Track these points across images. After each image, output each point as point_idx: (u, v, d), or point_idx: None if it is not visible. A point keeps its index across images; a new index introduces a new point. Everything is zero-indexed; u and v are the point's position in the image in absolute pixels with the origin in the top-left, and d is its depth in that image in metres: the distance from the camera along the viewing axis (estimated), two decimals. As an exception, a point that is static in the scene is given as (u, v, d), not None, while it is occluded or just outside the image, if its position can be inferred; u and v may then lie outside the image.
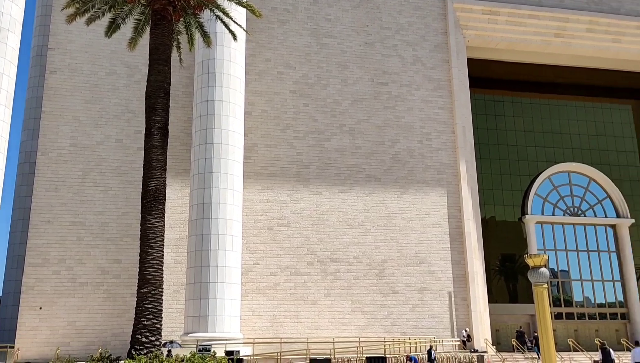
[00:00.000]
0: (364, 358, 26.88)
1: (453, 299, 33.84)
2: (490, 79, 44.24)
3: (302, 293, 32.04)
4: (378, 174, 34.84)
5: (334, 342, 29.36)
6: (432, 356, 28.28)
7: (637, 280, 42.87)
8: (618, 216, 43.29)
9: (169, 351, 20.77)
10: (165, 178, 19.40)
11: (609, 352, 21.84)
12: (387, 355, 27.81)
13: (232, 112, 30.07)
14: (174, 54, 22.82)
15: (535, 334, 34.28)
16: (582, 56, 41.63)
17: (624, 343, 36.42)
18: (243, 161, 31.16)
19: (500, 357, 30.29)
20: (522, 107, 45.83)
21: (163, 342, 21.13)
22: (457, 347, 32.29)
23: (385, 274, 33.32)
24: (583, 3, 40.01)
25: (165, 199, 19.23)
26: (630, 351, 23.70)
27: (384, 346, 30.24)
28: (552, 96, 46.39)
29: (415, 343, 31.17)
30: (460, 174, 35.64)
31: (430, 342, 31.10)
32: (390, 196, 34.61)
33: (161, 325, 18.04)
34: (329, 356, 26.62)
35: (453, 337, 32.95)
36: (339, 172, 34.35)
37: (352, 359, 27.97)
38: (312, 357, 26.12)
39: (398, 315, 32.89)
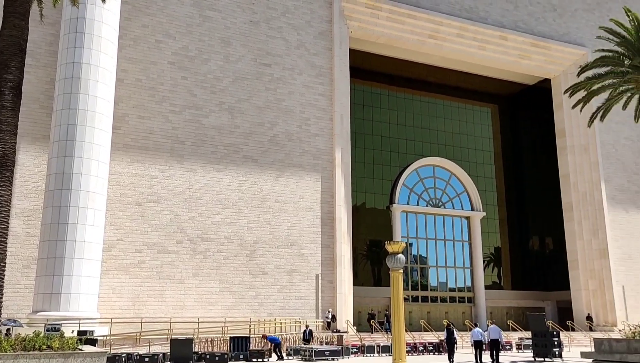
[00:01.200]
0: (228, 338, 26.91)
1: (320, 281, 34.95)
2: (370, 71, 46.11)
3: (169, 272, 31.10)
4: (255, 155, 34.70)
5: (198, 322, 28.98)
6: (307, 336, 29.06)
7: (484, 268, 47.74)
8: (472, 209, 47.69)
9: (8, 330, 19.03)
10: (16, 142, 17.48)
11: (452, 331, 24.06)
12: (252, 335, 28.09)
13: (101, 78, 28.02)
14: (35, 8, 20.63)
15: (387, 312, 36.74)
16: (452, 58, 44.82)
17: (468, 324, 40.34)
18: (112, 131, 29.27)
19: (359, 336, 32.02)
20: (397, 102, 48.45)
21: (3, 321, 19.28)
22: (320, 328, 33.48)
23: (256, 255, 33.45)
24: (455, 9, 42.89)
25: (14, 166, 17.34)
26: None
27: (250, 326, 30.49)
28: (423, 93, 49.60)
29: (281, 323, 31.80)
30: (335, 161, 36.66)
31: (296, 322, 31.94)
32: (266, 178, 34.68)
33: (1, 302, 16.41)
34: (191, 336, 26.21)
35: (318, 317, 34.09)
36: (215, 150, 33.66)
37: (215, 339, 27.82)
38: (173, 337, 25.53)
39: (266, 296, 33.25)
